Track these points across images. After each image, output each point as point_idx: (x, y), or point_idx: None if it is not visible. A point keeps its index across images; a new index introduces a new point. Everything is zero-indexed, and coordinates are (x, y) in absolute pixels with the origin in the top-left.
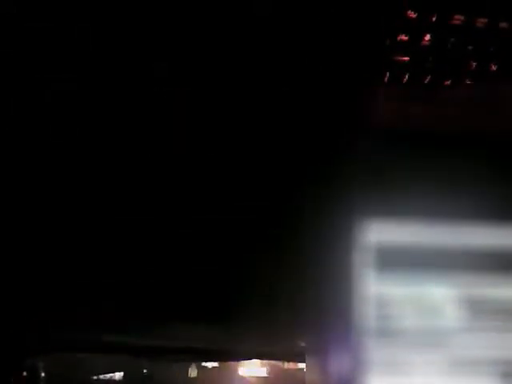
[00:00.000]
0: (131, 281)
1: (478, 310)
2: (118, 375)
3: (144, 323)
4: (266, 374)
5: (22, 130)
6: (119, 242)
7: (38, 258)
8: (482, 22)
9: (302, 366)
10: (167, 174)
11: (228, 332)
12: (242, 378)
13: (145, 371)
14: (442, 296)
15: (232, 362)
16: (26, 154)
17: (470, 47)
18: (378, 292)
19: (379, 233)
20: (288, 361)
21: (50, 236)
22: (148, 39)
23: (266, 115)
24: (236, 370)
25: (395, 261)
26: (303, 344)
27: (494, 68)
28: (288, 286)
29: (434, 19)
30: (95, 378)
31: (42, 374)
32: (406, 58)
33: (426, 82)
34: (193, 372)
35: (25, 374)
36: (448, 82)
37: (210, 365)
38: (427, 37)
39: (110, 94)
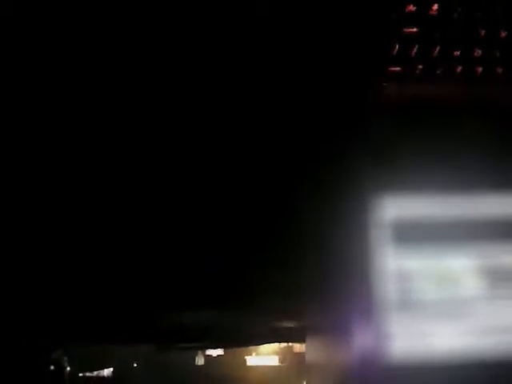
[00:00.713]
0: (143, 268)
1: (498, 278)
2: (139, 366)
3: (157, 311)
4: (277, 363)
5: (22, 130)
6: (131, 231)
7: (60, 253)
8: None
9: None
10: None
11: (242, 313)
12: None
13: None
14: (461, 267)
15: (240, 351)
16: (26, 153)
17: (478, 15)
18: (397, 267)
19: (395, 208)
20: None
21: (62, 229)
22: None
23: (276, 92)
24: (243, 358)
25: (413, 235)
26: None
27: (503, 35)
28: (304, 265)
29: None
30: (118, 370)
31: (68, 368)
32: (414, 30)
33: (435, 53)
34: (200, 360)
35: (52, 367)
36: (457, 53)
37: (216, 353)
38: (435, 7)
39: (108, 91)
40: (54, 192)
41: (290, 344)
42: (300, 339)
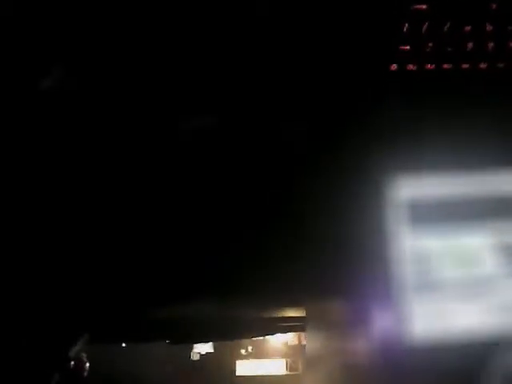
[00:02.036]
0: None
1: None
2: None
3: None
4: (284, 370)
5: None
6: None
7: (77, 250)
8: None
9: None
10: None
11: (251, 299)
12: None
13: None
14: (477, 245)
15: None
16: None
17: None
18: (414, 247)
19: (411, 188)
20: None
21: (74, 228)
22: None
23: (294, 73)
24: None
25: (429, 214)
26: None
27: None
28: (319, 249)
29: None
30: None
31: (87, 364)
32: (424, 7)
33: (446, 28)
34: (195, 356)
35: (72, 363)
36: (468, 28)
37: (211, 349)
38: None
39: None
40: (54, 194)
41: (302, 341)
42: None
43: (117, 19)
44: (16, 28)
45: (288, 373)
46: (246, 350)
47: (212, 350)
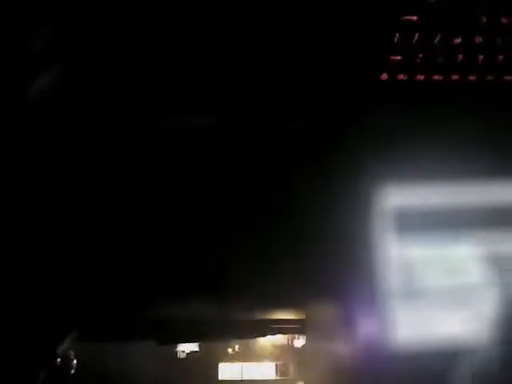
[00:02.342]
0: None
1: (499, 266)
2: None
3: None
4: (274, 375)
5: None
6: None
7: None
8: None
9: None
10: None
11: (239, 304)
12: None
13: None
14: (463, 254)
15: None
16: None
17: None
18: (400, 255)
19: (399, 197)
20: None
21: (66, 225)
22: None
23: (281, 76)
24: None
25: (416, 223)
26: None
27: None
28: (309, 254)
29: None
30: (125, 364)
31: (74, 362)
32: (414, 18)
33: (436, 40)
34: (181, 354)
35: (58, 361)
36: (459, 40)
37: (196, 348)
38: None
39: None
40: (39, 191)
41: (293, 343)
42: (297, 331)
43: (114, 17)
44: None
45: (278, 378)
46: (233, 349)
47: (197, 349)
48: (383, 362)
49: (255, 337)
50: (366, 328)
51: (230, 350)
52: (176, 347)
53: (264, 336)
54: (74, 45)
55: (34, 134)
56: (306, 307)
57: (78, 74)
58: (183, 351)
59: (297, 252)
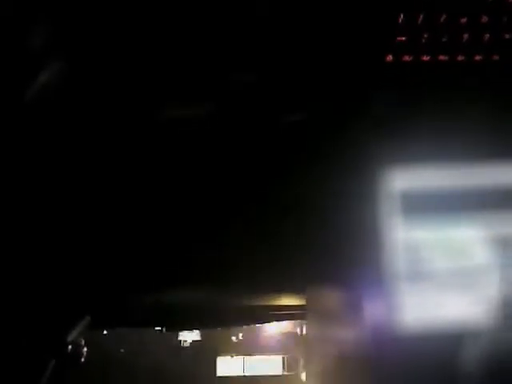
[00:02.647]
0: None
1: (506, 248)
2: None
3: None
4: (281, 370)
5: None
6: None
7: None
8: None
9: None
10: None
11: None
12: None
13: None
14: (468, 237)
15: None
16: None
17: None
18: (406, 237)
19: (404, 179)
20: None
21: (68, 216)
22: None
23: (285, 64)
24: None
25: (421, 206)
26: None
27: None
28: (314, 238)
29: None
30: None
31: (85, 349)
32: None
33: (441, 21)
34: (184, 343)
35: (69, 348)
36: (464, 20)
37: (197, 337)
38: None
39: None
40: (42, 184)
41: (303, 332)
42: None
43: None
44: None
45: (286, 373)
46: (237, 337)
47: (199, 338)
48: (389, 345)
49: (260, 323)
50: (372, 311)
51: (233, 338)
52: (178, 336)
53: (268, 322)
54: (74, 40)
55: (31, 128)
56: (309, 292)
57: (76, 68)
58: (185, 340)
59: (301, 236)
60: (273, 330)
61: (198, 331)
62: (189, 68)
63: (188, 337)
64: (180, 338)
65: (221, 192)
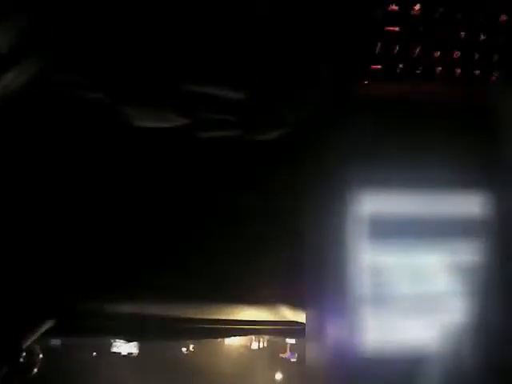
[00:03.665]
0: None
1: (466, 275)
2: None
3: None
4: None
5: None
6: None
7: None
8: None
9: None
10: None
11: (219, 305)
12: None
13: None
14: (431, 263)
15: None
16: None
17: (458, 16)
18: (372, 261)
19: (372, 204)
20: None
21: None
22: None
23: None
24: None
25: (388, 230)
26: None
27: (482, 38)
28: (283, 258)
29: None
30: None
31: (40, 357)
32: (397, 29)
33: (416, 52)
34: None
35: (23, 357)
36: (437, 54)
37: (134, 350)
38: (417, 6)
39: None
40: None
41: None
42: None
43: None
44: None
45: None
46: (188, 349)
47: (135, 351)
48: (351, 366)
49: (215, 337)
50: (335, 332)
51: (183, 350)
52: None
53: (227, 337)
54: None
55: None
56: (275, 310)
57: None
58: (119, 353)
59: (267, 254)
60: (228, 342)
61: (134, 344)
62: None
63: (122, 349)
64: (114, 349)
65: (190, 204)
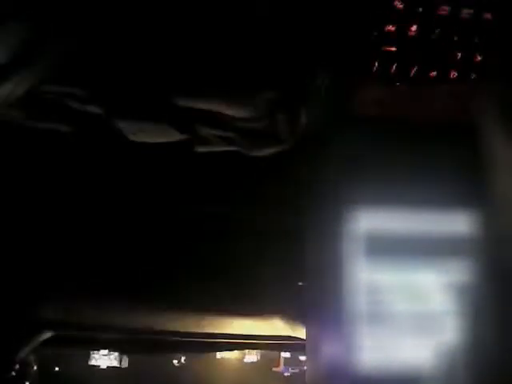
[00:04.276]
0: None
1: (463, 295)
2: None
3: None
4: None
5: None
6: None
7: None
8: (467, 12)
9: None
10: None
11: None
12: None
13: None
14: (428, 282)
15: None
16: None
17: (455, 38)
18: (368, 279)
19: (370, 221)
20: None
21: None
22: None
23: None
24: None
25: (384, 248)
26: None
27: (478, 59)
28: (279, 276)
29: (420, 10)
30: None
31: (34, 368)
32: (393, 49)
33: (412, 72)
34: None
35: (17, 367)
36: (434, 74)
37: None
38: (414, 27)
39: None
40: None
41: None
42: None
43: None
44: None
45: None
46: (179, 361)
47: (116, 364)
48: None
49: (211, 351)
50: (330, 350)
51: (175, 362)
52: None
53: (221, 351)
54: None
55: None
56: (271, 324)
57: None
58: (93, 365)
59: (265, 273)
60: (221, 355)
61: (115, 356)
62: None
63: (102, 362)
64: (92, 362)
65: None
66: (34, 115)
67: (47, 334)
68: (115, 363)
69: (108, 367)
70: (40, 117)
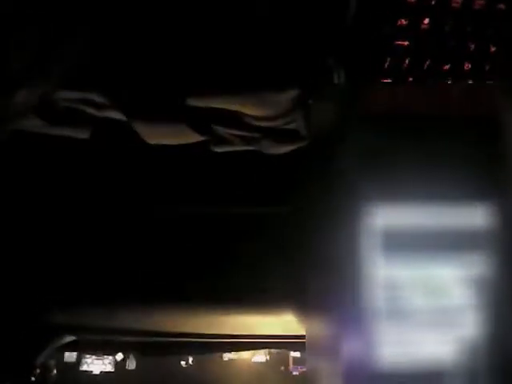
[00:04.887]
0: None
1: (482, 288)
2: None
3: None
4: None
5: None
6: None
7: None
8: (480, 3)
9: None
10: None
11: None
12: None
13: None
14: (447, 276)
15: None
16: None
17: (468, 30)
18: (386, 275)
19: (387, 217)
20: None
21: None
22: None
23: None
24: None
25: (402, 243)
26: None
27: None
28: (294, 270)
29: (432, 2)
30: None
31: (54, 371)
32: (406, 43)
33: (425, 66)
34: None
35: (37, 370)
36: (447, 67)
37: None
38: (426, 20)
39: None
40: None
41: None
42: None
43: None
44: None
45: None
46: (187, 363)
47: (111, 370)
48: (367, 380)
49: (222, 351)
50: (351, 347)
51: (183, 363)
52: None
53: (229, 352)
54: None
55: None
56: (283, 322)
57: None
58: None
59: (283, 269)
60: (229, 355)
61: (109, 361)
62: None
63: (94, 367)
64: (84, 367)
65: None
66: (51, 122)
67: (67, 339)
68: (109, 368)
69: (101, 372)
70: (56, 124)
